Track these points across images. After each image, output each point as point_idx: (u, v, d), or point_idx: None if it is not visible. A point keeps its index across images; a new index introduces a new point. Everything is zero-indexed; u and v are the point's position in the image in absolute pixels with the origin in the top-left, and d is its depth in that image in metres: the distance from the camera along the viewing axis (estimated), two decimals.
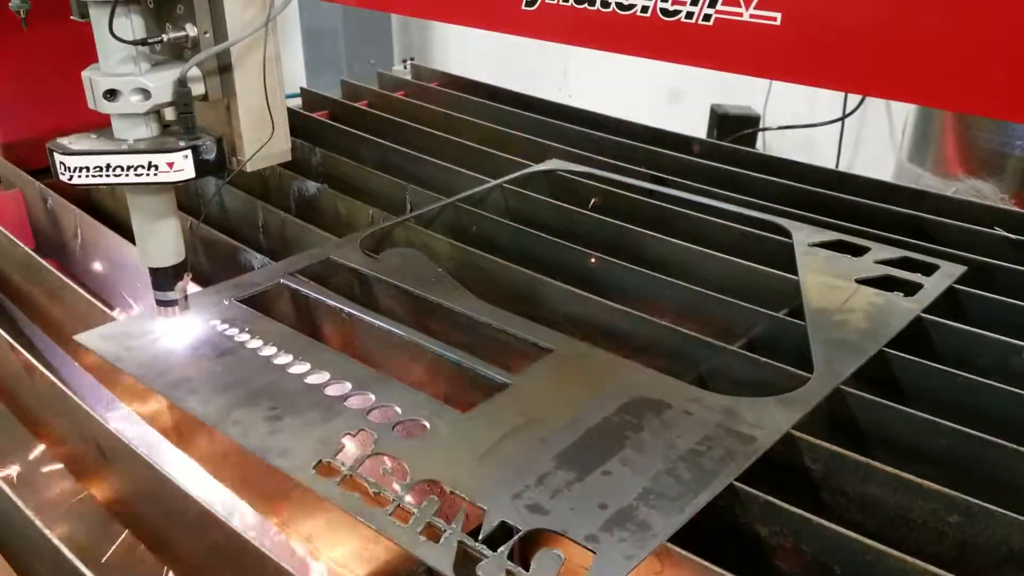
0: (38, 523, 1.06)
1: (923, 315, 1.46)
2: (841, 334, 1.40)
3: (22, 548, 1.14)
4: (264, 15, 1.28)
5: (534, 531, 1.00)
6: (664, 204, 1.94)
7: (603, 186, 2.02)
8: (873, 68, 0.98)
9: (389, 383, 1.28)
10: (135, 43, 1.20)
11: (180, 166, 1.23)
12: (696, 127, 3.53)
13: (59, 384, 1.36)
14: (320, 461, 1.12)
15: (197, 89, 1.26)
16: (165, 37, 1.23)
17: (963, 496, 1.08)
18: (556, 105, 2.68)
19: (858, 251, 1.68)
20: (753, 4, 1.01)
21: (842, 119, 3.51)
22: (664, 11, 1.08)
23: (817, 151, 3.64)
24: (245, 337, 1.40)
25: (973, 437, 1.19)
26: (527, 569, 0.96)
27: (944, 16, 0.91)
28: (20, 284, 1.86)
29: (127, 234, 1.87)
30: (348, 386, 1.27)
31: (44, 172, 2.22)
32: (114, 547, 1.26)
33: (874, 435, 1.27)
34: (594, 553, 0.97)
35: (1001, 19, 0.88)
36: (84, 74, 1.23)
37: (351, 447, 1.15)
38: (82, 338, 1.42)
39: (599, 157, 2.20)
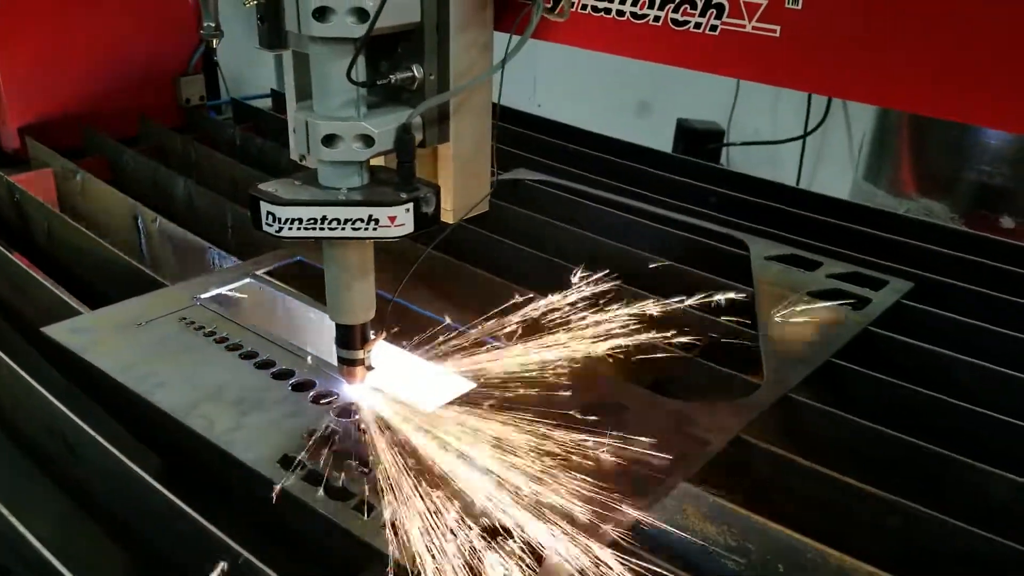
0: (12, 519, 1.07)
1: (871, 328, 1.53)
2: (791, 344, 1.46)
3: None
4: (484, 56, 1.15)
5: (490, 527, 1.04)
6: (627, 215, 1.99)
7: (568, 195, 2.07)
8: (865, 77, 1.07)
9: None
10: (362, 85, 1.04)
11: (401, 220, 1.07)
12: (663, 140, 3.60)
13: (26, 376, 1.37)
14: (285, 455, 1.15)
15: (417, 136, 1.11)
16: (393, 78, 1.07)
17: (901, 500, 1.14)
18: (526, 115, 2.73)
19: (811, 265, 1.74)
20: (755, 17, 1.10)
21: (803, 137, 3.60)
22: (675, 21, 1.17)
23: (779, 167, 3.73)
24: (212, 333, 1.43)
25: (913, 444, 1.25)
26: (483, 563, 0.99)
27: (929, 29, 1.00)
28: None
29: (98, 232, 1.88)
30: (314, 383, 1.30)
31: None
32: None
33: (820, 440, 1.32)
34: (546, 551, 1.01)
35: (983, 31, 0.97)
36: (298, 116, 1.07)
37: (315, 442, 1.18)
38: (50, 331, 1.43)
39: (566, 168, 2.25)
